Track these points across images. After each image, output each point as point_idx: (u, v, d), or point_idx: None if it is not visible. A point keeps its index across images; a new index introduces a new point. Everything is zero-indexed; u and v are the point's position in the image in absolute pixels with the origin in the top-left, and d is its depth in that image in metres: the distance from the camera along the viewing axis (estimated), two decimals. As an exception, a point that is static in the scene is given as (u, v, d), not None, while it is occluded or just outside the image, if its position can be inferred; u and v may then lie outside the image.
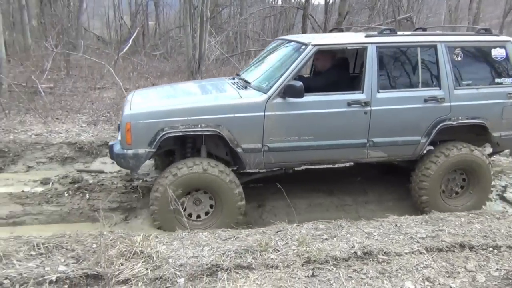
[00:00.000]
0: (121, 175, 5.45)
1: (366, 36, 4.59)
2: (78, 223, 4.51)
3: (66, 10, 16.97)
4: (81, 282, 2.86)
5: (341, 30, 6.73)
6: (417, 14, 17.90)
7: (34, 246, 3.17)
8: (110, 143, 4.59)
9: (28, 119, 6.99)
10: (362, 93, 4.40)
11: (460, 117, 4.61)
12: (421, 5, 18.89)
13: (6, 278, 2.80)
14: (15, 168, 5.62)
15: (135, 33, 14.94)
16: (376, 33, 4.63)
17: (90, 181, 5.12)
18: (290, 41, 4.91)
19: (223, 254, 3.20)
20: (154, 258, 3.09)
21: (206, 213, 4.36)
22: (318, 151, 4.45)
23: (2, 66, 8.40)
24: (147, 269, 2.97)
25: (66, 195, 4.89)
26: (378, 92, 4.42)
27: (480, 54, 4.78)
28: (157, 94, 5.02)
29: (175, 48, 16.38)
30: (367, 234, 3.63)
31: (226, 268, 3.04)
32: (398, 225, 3.84)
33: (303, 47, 4.44)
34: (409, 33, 5.02)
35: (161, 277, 2.91)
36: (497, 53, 4.73)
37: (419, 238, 3.58)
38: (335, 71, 4.93)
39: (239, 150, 4.26)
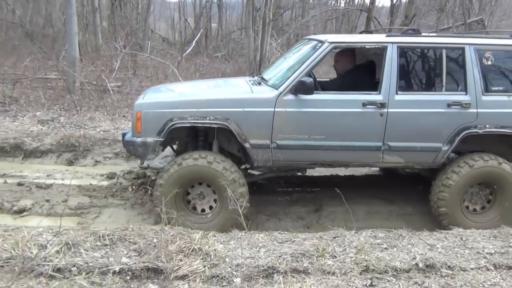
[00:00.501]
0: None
1: (387, 36, 4.46)
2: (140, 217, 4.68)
3: (135, 12, 17.72)
4: (142, 274, 2.96)
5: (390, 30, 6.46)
6: (489, 16, 16.97)
7: (100, 237, 3.32)
8: (124, 131, 4.67)
9: (97, 116, 7.38)
10: (379, 94, 4.19)
11: (487, 125, 4.23)
12: (494, 7, 17.91)
13: (74, 266, 2.96)
14: (84, 162, 5.92)
15: (199, 35, 15.32)
16: (399, 33, 4.42)
17: (153, 178, 5.29)
18: (311, 39, 4.79)
19: (279, 256, 3.19)
20: (212, 256, 3.14)
21: (211, 208, 4.29)
22: (329, 151, 4.27)
23: (75, 65, 8.93)
24: (204, 266, 3.02)
25: (130, 189, 5.10)
26: (397, 93, 4.19)
27: None
28: (174, 87, 5.15)
29: (237, 49, 16.61)
30: (429, 245, 3.48)
31: (282, 271, 3.03)
32: (464, 239, 3.65)
33: (319, 44, 4.33)
34: (435, 34, 4.73)
35: (218, 276, 2.95)
36: None
37: (487, 253, 3.38)
38: (355, 73, 4.78)
39: (247, 145, 4.19)
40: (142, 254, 3.16)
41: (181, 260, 3.07)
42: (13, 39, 13.80)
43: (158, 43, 17.74)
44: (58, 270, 2.91)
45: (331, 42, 4.25)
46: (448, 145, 4.25)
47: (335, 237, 3.60)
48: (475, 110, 4.21)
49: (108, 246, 3.26)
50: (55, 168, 5.56)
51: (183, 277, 2.93)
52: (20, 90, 8.59)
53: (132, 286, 2.84)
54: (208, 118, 4.13)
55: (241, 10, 19.47)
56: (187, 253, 3.15)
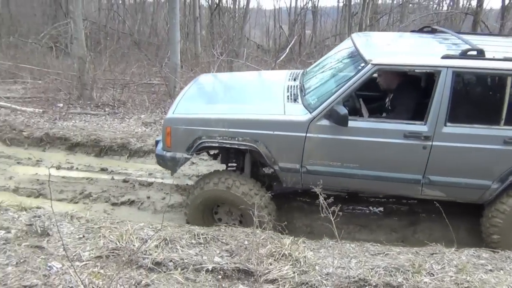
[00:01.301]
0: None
1: (442, 58, 3.72)
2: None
3: (232, 21, 18.38)
4: (233, 275, 3.04)
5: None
6: None
7: (195, 235, 3.47)
8: (157, 138, 4.64)
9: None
10: (425, 124, 3.76)
11: None
12: None
13: (170, 261, 3.12)
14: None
15: (293, 42, 15.43)
16: (457, 54, 3.71)
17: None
18: (356, 49, 4.22)
19: (371, 269, 3.09)
20: (302, 262, 3.13)
21: (240, 222, 4.22)
22: (363, 180, 3.99)
23: (177, 71, 9.47)
24: (294, 272, 3.02)
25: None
26: (446, 125, 3.73)
27: None
28: (208, 93, 5.05)
29: (330, 56, 16.43)
30: (543, 271, 3.13)
31: (374, 284, 2.93)
32: None
33: (362, 64, 3.83)
34: (502, 57, 3.72)
35: (307, 283, 2.93)
36: None
37: None
38: (405, 92, 4.19)
39: (276, 167, 4.04)
40: (234, 255, 3.24)
41: (271, 264, 3.09)
42: (122, 47, 14.99)
43: (253, 50, 18.19)
44: (157, 263, 3.09)
45: (375, 65, 3.78)
46: (499, 184, 3.80)
47: (432, 254, 3.39)
48: None
49: (202, 245, 3.39)
50: (155, 167, 5.93)
51: (272, 281, 2.95)
52: (128, 94, 9.29)
53: (223, 285, 2.92)
54: (236, 138, 3.99)
55: (336, 16, 19.29)
56: (277, 258, 3.17)
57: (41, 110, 8.10)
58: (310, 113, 3.90)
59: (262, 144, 3.96)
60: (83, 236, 3.40)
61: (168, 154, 4.19)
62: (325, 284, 2.90)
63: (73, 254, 3.15)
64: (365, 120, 4.01)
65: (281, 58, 13.08)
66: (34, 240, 3.31)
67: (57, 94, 9.11)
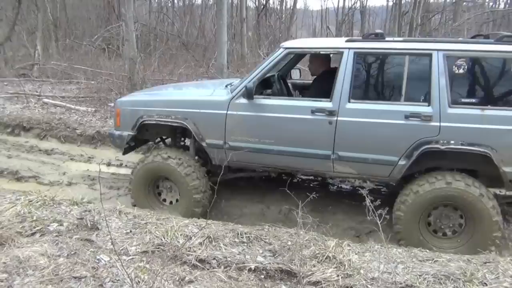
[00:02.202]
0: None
1: (347, 41, 4.15)
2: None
3: (278, 22, 18.38)
4: (276, 275, 3.01)
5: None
6: None
7: (238, 234, 3.48)
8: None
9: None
10: (330, 101, 4.04)
11: (452, 141, 3.74)
12: None
13: (214, 259, 3.14)
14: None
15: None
16: (360, 37, 4.10)
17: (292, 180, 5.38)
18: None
19: (419, 275, 2.97)
20: (346, 266, 3.06)
21: (177, 200, 4.67)
22: (279, 156, 4.28)
23: (223, 72, 9.58)
24: (338, 275, 2.95)
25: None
26: (349, 102, 3.98)
27: (494, 68, 3.78)
28: (156, 88, 5.87)
29: (378, 56, 16.08)
30: None
31: (422, 291, 2.81)
32: None
33: (277, 49, 4.34)
34: (401, 39, 4.16)
35: (351, 287, 2.86)
36: None
37: None
38: (323, 78, 4.57)
39: (204, 144, 4.48)
40: (277, 255, 3.22)
41: (314, 266, 3.04)
42: (171, 49, 15.36)
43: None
44: (200, 260, 3.11)
45: (286, 48, 4.26)
46: (406, 160, 3.88)
47: (485, 262, 3.22)
48: (437, 124, 3.77)
49: (245, 244, 3.39)
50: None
51: (315, 283, 2.90)
52: (175, 94, 9.49)
53: (266, 285, 2.91)
54: (170, 117, 4.52)
55: (385, 16, 18.86)
56: (321, 260, 3.12)
57: (93, 109, 8.44)
58: (231, 93, 4.37)
59: (191, 121, 4.47)
60: (130, 231, 3.49)
61: (117, 132, 4.82)
62: (370, 289, 2.82)
63: (121, 248, 3.23)
64: (277, 98, 4.42)
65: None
66: (84, 233, 3.44)
67: (109, 94, 9.46)
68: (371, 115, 3.94)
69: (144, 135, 4.97)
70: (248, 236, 3.46)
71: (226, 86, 4.70)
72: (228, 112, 4.33)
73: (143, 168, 4.63)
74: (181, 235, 3.40)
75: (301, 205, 3.31)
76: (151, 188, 4.73)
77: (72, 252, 3.12)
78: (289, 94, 5.06)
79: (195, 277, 2.90)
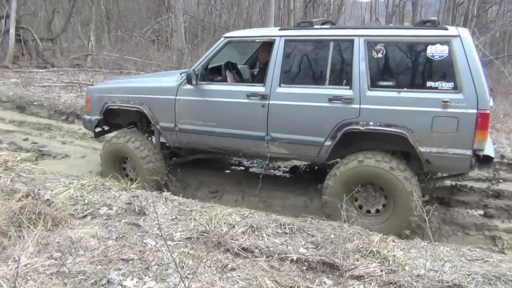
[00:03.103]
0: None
1: (280, 29, 4.51)
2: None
3: (326, 13, 18.11)
4: (318, 267, 2.99)
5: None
6: None
7: (281, 224, 3.49)
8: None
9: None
10: (263, 86, 4.30)
11: (370, 123, 3.90)
12: None
13: (256, 248, 3.16)
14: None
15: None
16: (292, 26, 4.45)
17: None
18: None
19: (468, 275, 2.86)
20: (390, 261, 2.99)
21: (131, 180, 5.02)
22: (221, 138, 4.59)
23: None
24: (381, 270, 2.90)
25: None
26: (280, 86, 4.23)
27: (410, 51, 3.92)
28: (124, 78, 6.56)
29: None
30: None
31: (470, 291, 2.71)
32: None
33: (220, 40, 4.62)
34: (327, 26, 4.45)
35: (395, 283, 2.79)
36: (435, 50, 3.71)
37: None
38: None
39: (158, 127, 4.88)
40: (319, 247, 3.20)
41: (357, 260, 3.00)
42: (218, 40, 15.50)
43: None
44: (243, 249, 3.14)
45: (226, 37, 4.60)
46: (331, 140, 4.09)
47: (540, 265, 3.06)
48: (357, 106, 3.94)
49: (288, 235, 3.39)
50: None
51: (358, 278, 2.86)
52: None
53: (307, 276, 2.90)
54: (129, 102, 4.96)
55: (439, 7, 18.14)
56: (364, 254, 3.07)
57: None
58: (180, 79, 4.71)
59: (146, 106, 4.88)
60: (176, 218, 3.58)
61: (87, 117, 5.34)
62: (415, 286, 2.74)
63: (166, 234, 3.32)
64: (218, 83, 4.70)
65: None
66: (132, 218, 3.56)
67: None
68: (299, 98, 4.16)
69: (117, 120, 5.43)
70: (291, 227, 3.46)
71: (181, 73, 4.92)
72: (177, 97, 4.70)
73: (108, 147, 5.12)
74: (224, 223, 3.45)
75: (346, 198, 3.27)
76: (117, 164, 5.19)
77: (121, 235, 3.24)
78: (242, 81, 5.21)
79: (238, 265, 2.94)
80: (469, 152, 3.67)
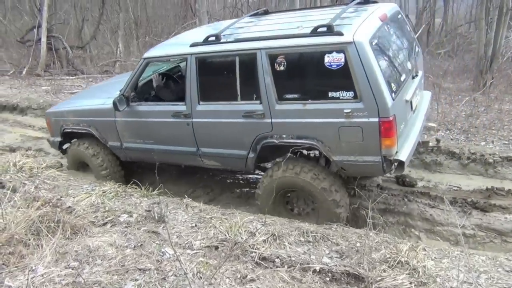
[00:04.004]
0: (391, 178, 5.25)
1: (190, 46, 4.21)
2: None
3: (354, 12, 17.75)
4: (342, 278, 2.84)
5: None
6: None
7: (303, 232, 3.34)
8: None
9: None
10: (184, 104, 4.28)
11: (283, 136, 3.91)
12: None
13: (277, 257, 3.04)
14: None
15: (419, 31, 14.37)
16: (201, 41, 4.14)
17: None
18: None
19: (506, 288, 2.65)
20: (420, 272, 2.80)
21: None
22: (160, 154, 4.69)
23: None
24: (411, 283, 2.72)
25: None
26: (199, 104, 4.19)
27: (309, 62, 3.67)
28: (80, 94, 6.59)
29: (463, 45, 15.00)
30: None
31: (509, 307, 2.50)
32: None
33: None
34: (233, 39, 4.07)
35: (425, 296, 2.62)
36: (332, 59, 3.50)
37: None
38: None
39: (108, 145, 5.02)
40: (344, 257, 3.04)
41: (384, 271, 2.83)
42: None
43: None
44: (263, 258, 3.02)
45: (144, 58, 4.55)
46: (253, 153, 4.12)
47: None
48: (269, 120, 3.89)
49: (311, 243, 3.25)
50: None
51: (385, 290, 2.70)
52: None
53: (331, 288, 2.75)
54: (79, 125, 5.12)
55: (472, 1, 17.54)
56: (392, 265, 2.89)
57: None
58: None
59: (94, 128, 5.01)
60: (195, 225, 3.49)
61: (51, 139, 5.53)
62: (447, 300, 2.56)
63: (185, 242, 3.25)
64: (147, 103, 4.66)
65: (406, 49, 12.25)
66: (151, 225, 3.49)
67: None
68: (217, 115, 4.15)
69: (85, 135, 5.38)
70: (314, 235, 3.31)
71: (120, 90, 4.73)
72: (116, 118, 4.78)
73: (72, 153, 5.34)
74: (245, 231, 3.34)
75: (371, 204, 3.10)
76: (80, 164, 5.38)
77: (139, 244, 3.17)
78: (171, 96, 4.99)
79: (257, 275, 2.82)
80: (378, 159, 3.61)
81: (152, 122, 4.57)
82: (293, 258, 3.02)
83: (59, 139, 5.38)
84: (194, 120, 4.26)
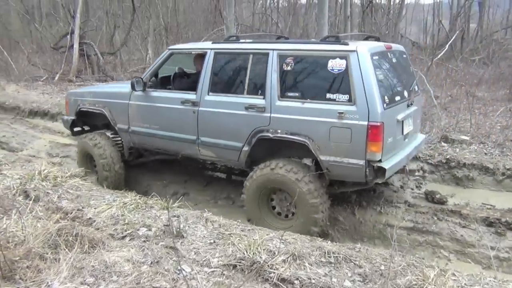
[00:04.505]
0: (420, 194, 5.04)
1: (212, 43, 4.87)
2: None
3: (386, 18, 17.45)
4: (364, 305, 2.70)
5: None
6: None
7: (325, 253, 3.21)
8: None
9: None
10: (195, 94, 4.71)
11: (278, 131, 4.23)
12: None
13: (297, 279, 2.91)
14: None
15: (453, 37, 13.96)
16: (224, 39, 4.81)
17: (386, 193, 4.94)
18: None
19: (543, 323, 2.44)
20: (448, 303, 2.63)
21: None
22: (162, 140, 5.10)
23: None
24: (438, 313, 2.55)
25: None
26: (208, 94, 4.62)
27: (314, 65, 4.13)
28: (103, 84, 7.21)
29: (498, 52, 14.48)
30: None
31: None
32: None
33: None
34: (250, 40, 4.83)
35: (454, 329, 2.44)
36: (334, 64, 3.96)
37: None
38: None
39: (116, 128, 5.47)
40: (367, 281, 2.90)
41: (409, 299, 2.67)
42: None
43: (407, 48, 17.00)
44: (282, 280, 2.91)
45: (169, 49, 5.16)
46: (248, 146, 4.40)
47: None
48: (268, 115, 4.25)
49: (332, 264, 3.11)
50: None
51: (410, 320, 2.54)
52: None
53: (352, 316, 2.61)
54: (95, 105, 5.61)
55: (509, 6, 16.95)
56: (418, 292, 2.73)
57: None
58: None
59: (107, 109, 5.49)
60: (214, 242, 3.41)
61: (65, 117, 6.10)
62: (477, 334, 2.38)
63: (203, 259, 3.16)
64: (161, 90, 5.13)
65: (439, 56, 11.90)
66: (169, 240, 3.43)
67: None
68: (222, 106, 4.54)
69: (93, 121, 5.99)
70: (336, 256, 3.17)
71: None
72: (130, 102, 5.25)
73: (80, 145, 5.76)
74: (264, 249, 3.23)
75: (396, 227, 2.94)
76: (88, 159, 5.74)
77: (156, 260, 3.11)
78: (188, 89, 5.18)
79: (275, 298, 2.71)
80: (362, 162, 3.86)
81: (161, 107, 5.02)
82: (313, 281, 2.89)
83: (73, 117, 5.92)
84: (200, 108, 4.69)
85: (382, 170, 3.84)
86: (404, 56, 4.85)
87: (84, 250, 3.19)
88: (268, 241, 3.39)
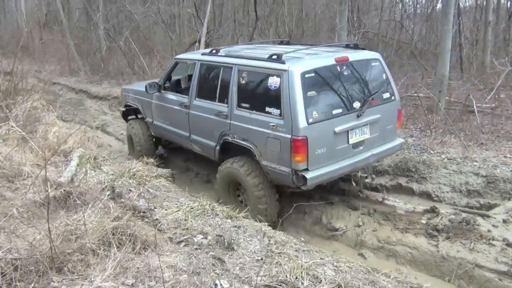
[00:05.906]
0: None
1: (201, 54, 5.75)
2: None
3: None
4: None
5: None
6: None
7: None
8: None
9: (450, 140, 6.58)
10: (188, 98, 5.60)
11: (235, 136, 4.87)
12: None
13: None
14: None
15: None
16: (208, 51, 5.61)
17: (483, 227, 4.18)
18: None
19: None
20: None
21: None
22: (170, 133, 6.19)
23: (444, 84, 8.39)
24: None
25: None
26: (195, 99, 5.48)
27: (260, 80, 4.66)
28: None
29: None
30: None
31: None
32: None
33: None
34: (224, 54, 5.34)
35: None
36: (272, 81, 4.45)
37: None
38: None
39: (145, 120, 6.65)
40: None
41: None
42: (402, 57, 14.34)
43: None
44: (320, 312, 2.62)
45: (175, 58, 6.23)
46: (219, 146, 5.16)
47: None
48: (229, 121, 4.93)
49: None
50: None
51: None
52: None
53: None
54: (134, 101, 6.81)
55: None
56: None
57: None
58: None
59: (140, 105, 6.71)
60: (262, 259, 3.24)
61: (121, 108, 7.49)
62: None
63: (246, 276, 3.02)
64: (170, 92, 6.06)
65: None
66: (220, 251, 3.35)
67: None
68: (203, 110, 5.31)
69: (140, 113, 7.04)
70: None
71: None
72: (152, 100, 6.33)
73: (127, 130, 7.23)
74: (310, 275, 2.96)
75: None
76: (131, 141, 7.06)
77: (197, 271, 3.06)
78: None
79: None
80: (289, 170, 4.34)
81: (169, 107, 5.98)
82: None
83: (123, 109, 7.29)
84: (190, 111, 5.53)
85: (304, 179, 4.25)
86: (375, 64, 4.96)
87: (136, 251, 3.29)
88: (319, 265, 3.12)
